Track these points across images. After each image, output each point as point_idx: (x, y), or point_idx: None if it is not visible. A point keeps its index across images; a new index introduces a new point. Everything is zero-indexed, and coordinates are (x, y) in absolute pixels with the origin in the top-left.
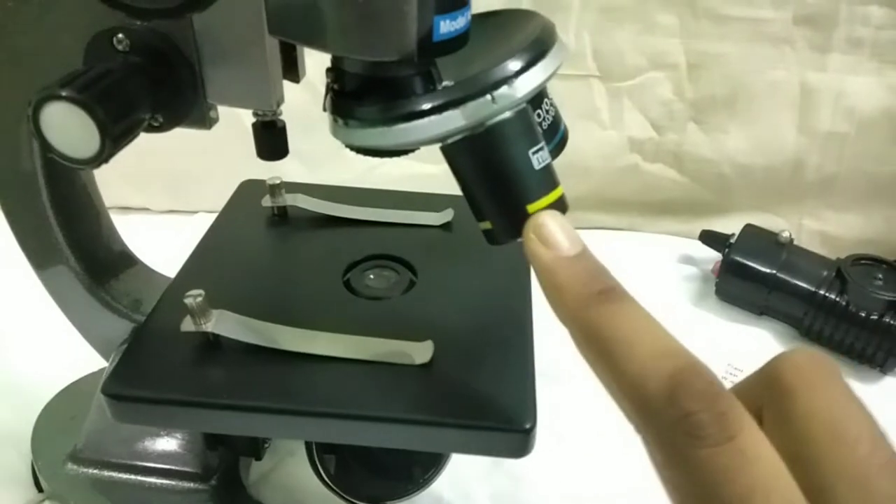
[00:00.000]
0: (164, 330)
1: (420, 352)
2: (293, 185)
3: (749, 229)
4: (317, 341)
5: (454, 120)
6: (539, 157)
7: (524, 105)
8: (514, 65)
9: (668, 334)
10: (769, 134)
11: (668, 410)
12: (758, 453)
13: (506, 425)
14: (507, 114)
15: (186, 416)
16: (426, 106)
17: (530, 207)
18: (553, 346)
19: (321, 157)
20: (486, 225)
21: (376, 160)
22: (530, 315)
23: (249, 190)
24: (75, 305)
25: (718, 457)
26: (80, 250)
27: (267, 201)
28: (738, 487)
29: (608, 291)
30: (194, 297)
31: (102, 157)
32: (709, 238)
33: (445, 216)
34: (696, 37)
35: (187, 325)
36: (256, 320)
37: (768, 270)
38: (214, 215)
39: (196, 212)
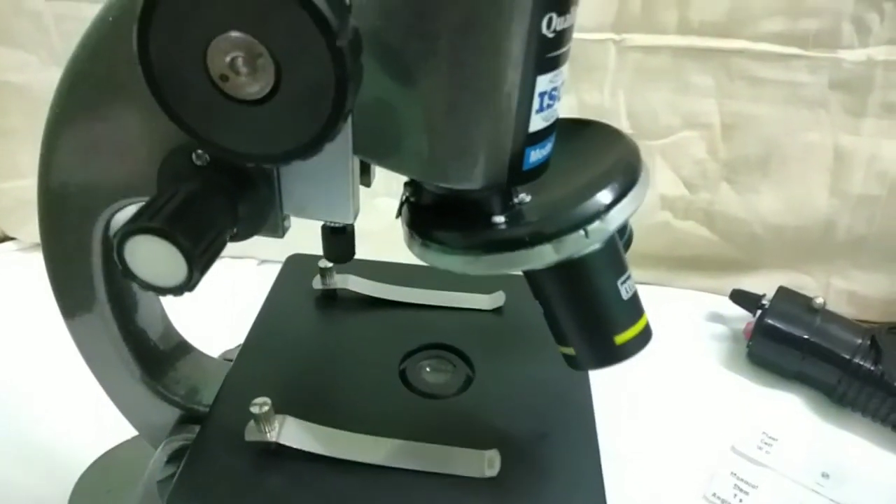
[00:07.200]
0: (224, 436)
1: (488, 463)
2: None
3: (783, 293)
4: (381, 450)
5: (546, 255)
6: (627, 287)
7: (613, 235)
8: (606, 197)
9: None
10: (801, 195)
11: None
12: None
13: None
14: (597, 245)
15: None
16: (515, 237)
17: (618, 339)
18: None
19: None
20: (569, 350)
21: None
22: (592, 411)
23: (296, 266)
24: (126, 395)
25: None
26: (135, 343)
27: (317, 283)
28: None
29: None
30: (260, 405)
31: (189, 285)
32: (740, 298)
33: (497, 300)
34: (732, 98)
35: (252, 433)
36: (319, 426)
37: (803, 336)
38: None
39: None
